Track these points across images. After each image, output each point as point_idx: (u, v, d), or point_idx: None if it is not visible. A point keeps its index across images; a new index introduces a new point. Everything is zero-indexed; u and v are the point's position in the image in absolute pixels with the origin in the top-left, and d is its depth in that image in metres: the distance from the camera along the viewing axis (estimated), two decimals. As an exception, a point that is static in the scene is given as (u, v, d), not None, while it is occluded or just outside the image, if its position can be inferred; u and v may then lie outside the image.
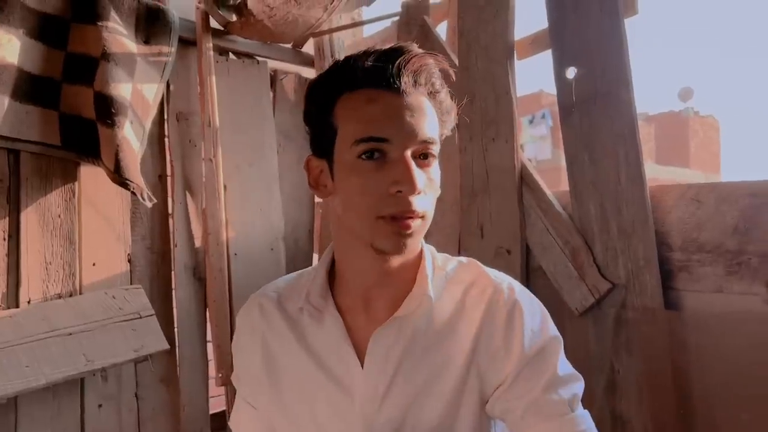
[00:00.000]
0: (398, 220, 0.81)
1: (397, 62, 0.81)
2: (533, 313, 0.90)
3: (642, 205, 1.49)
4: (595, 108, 1.57)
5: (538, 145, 13.20)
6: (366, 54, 0.84)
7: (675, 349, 1.44)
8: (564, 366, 0.88)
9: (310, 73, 2.38)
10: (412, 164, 0.80)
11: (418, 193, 0.80)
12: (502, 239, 1.78)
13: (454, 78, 0.87)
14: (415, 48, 0.84)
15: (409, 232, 0.81)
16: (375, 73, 0.81)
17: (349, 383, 0.89)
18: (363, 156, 0.81)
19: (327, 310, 0.93)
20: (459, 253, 1.93)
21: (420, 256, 0.92)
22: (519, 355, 0.86)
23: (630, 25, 1.62)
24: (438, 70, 0.85)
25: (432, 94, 0.85)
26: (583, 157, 1.60)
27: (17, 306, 1.64)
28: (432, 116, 0.83)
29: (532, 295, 0.94)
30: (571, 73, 1.63)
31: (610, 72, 1.53)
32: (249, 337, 1.02)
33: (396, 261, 0.87)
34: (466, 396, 0.86)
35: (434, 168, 0.85)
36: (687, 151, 16.55)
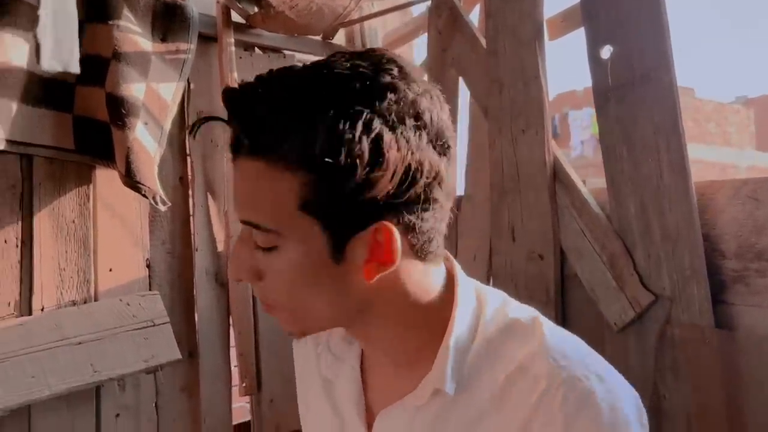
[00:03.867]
0: None
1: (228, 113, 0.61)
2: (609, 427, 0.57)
3: (687, 205, 1.28)
4: (633, 93, 1.37)
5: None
6: None
7: (728, 374, 1.22)
8: None
9: (339, 66, 2.26)
10: (237, 247, 0.64)
11: (246, 281, 0.65)
12: (535, 243, 1.60)
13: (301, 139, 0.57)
14: (250, 86, 0.59)
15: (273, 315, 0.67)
16: None
17: None
18: None
19: (347, 360, 0.76)
20: (490, 259, 1.76)
21: (449, 318, 0.66)
22: None
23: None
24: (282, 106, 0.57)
25: (264, 151, 0.59)
26: (621, 150, 1.40)
27: (30, 313, 1.62)
28: (263, 186, 0.59)
29: (622, 400, 0.60)
30: (606, 52, 1.43)
31: (648, 51, 1.32)
32: (297, 367, 0.91)
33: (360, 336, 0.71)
34: None
35: (276, 257, 0.61)
36: (792, 136, 15.30)
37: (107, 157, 1.71)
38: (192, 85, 1.94)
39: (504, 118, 1.66)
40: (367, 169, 0.55)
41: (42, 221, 1.66)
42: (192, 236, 1.90)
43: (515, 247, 1.65)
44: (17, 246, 1.63)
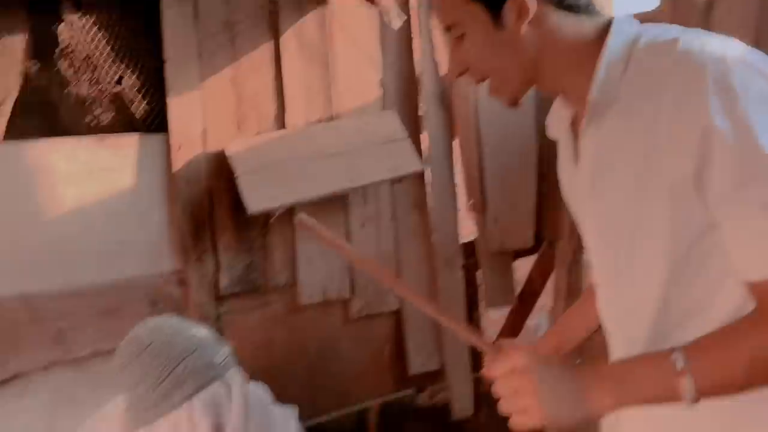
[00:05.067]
0: None
1: None
2: (720, 89, 0.69)
3: None
4: None
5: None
6: None
7: None
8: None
9: None
10: (450, 51, 0.86)
11: (461, 72, 0.86)
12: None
13: None
14: None
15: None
16: None
17: (576, 169, 0.90)
18: None
19: (563, 116, 0.93)
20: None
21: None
22: (691, 149, 0.71)
23: None
24: None
25: None
26: None
27: (284, 128, 1.75)
28: (440, 3, 0.85)
29: (736, 75, 0.70)
30: None
31: None
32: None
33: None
34: (650, 199, 0.77)
35: (467, 41, 0.84)
36: None
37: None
38: None
39: None
40: None
41: (288, 41, 1.75)
42: (415, 61, 1.93)
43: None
44: (270, 64, 1.74)
